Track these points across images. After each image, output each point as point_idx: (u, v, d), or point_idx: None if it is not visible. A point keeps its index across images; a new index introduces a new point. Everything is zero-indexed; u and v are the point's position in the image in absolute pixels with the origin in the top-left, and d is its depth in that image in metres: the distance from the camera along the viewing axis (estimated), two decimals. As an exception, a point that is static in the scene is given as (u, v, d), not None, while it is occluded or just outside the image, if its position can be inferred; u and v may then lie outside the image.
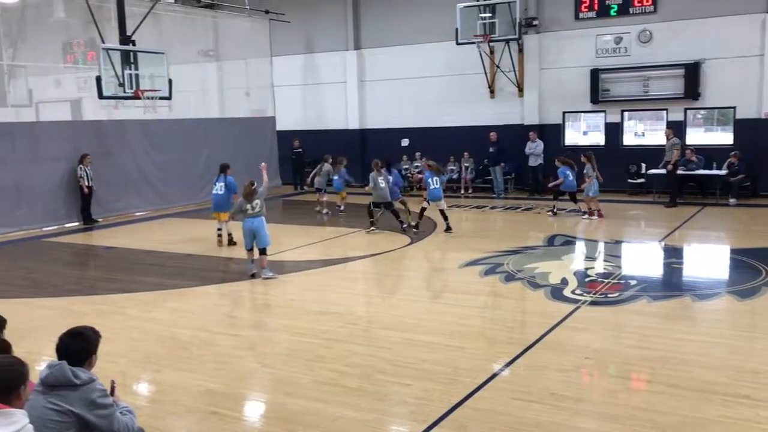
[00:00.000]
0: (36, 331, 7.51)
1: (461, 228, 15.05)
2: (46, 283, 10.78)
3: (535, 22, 19.24)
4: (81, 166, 15.65)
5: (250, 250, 10.32)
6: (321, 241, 13.35)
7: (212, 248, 12.70)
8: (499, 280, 9.70)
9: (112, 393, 3.82)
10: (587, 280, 9.56)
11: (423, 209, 13.77)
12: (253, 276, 10.30)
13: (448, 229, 13.37)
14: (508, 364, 6.40)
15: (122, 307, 9.04)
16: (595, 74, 18.70)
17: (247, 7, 20.44)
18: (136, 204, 17.44)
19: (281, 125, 22.62)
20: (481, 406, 5.49)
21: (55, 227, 15.36)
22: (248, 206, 10.18)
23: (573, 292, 8.92)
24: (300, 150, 22.14)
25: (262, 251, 10.19)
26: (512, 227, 14.90)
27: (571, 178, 15.20)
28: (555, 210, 15.59)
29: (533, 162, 18.95)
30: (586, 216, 14.76)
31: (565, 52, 19.16)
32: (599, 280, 9.56)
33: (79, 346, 3.72)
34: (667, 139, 16.62)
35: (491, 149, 19.10)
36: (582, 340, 7.09)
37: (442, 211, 13.63)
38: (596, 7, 18.62)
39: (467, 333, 7.42)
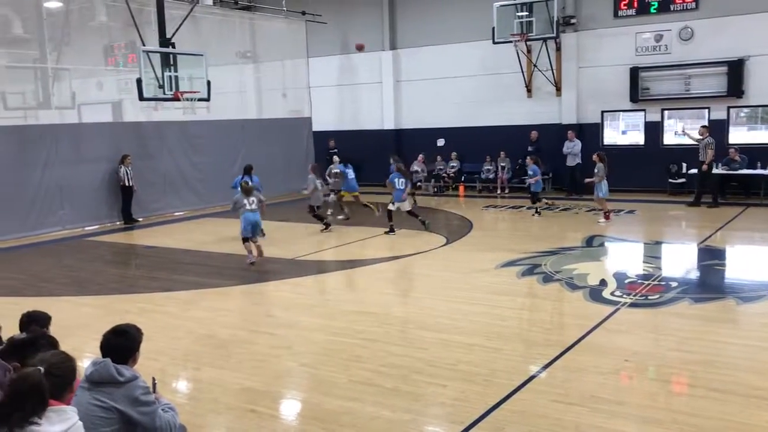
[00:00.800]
0: (79, 329, 7.67)
1: (497, 228, 14.99)
2: (88, 281, 11.01)
3: (573, 20, 19.03)
4: (122, 166, 15.95)
5: (247, 240, 11.34)
6: (357, 241, 13.38)
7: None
8: (536, 281, 9.61)
9: (154, 390, 3.88)
10: (627, 281, 9.41)
11: (390, 211, 13.92)
12: (252, 264, 11.19)
13: (424, 224, 13.72)
14: (545, 366, 6.33)
15: (162, 305, 9.18)
16: (634, 72, 18.41)
17: (284, 8, 20.60)
18: (175, 204, 17.71)
19: (317, 126, 22.75)
20: (518, 408, 5.44)
21: (97, 226, 15.69)
22: (246, 201, 11.40)
23: (612, 293, 8.79)
24: (335, 150, 22.22)
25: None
26: (549, 227, 14.73)
27: (539, 178, 15.68)
28: (539, 210, 15.63)
29: (571, 162, 18.74)
30: (602, 220, 14.39)
31: (603, 50, 18.91)
32: (639, 281, 9.40)
33: (123, 343, 3.79)
34: (701, 138, 16.25)
35: (530, 148, 18.93)
36: (621, 342, 6.98)
37: (410, 212, 13.98)
38: (636, 4, 18.35)
39: (504, 334, 7.37)
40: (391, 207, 13.87)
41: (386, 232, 13.70)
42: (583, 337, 7.13)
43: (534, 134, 18.94)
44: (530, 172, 15.77)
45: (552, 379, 6.06)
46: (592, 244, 12.27)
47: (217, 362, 6.82)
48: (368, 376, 6.22)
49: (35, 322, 4.51)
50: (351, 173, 15.74)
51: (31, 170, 14.86)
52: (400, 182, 13.81)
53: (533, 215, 15.48)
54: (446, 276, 10.16)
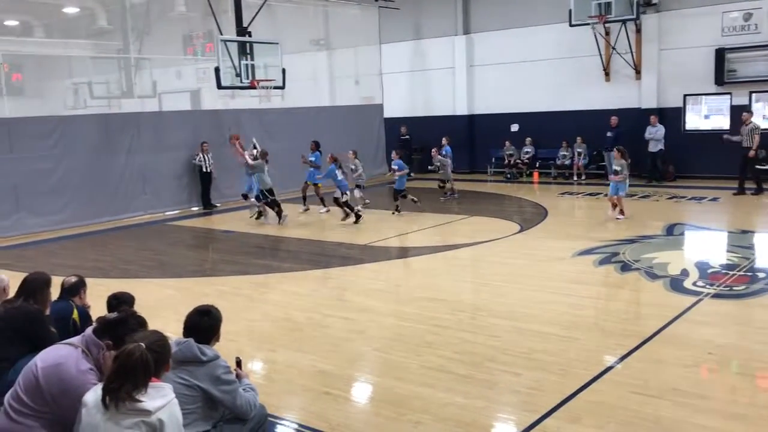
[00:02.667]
0: (162, 310, 7.95)
1: (574, 215, 14.67)
2: (170, 264, 11.41)
3: (654, 1, 18.32)
4: (200, 153, 16.40)
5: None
6: (429, 227, 13.36)
7: (322, 233, 13.00)
8: (614, 269, 9.37)
9: (239, 368, 4.00)
10: (710, 271, 9.06)
11: (345, 203, 13.79)
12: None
13: (357, 217, 13.63)
14: (623, 357, 6.18)
15: (239, 288, 9.43)
16: (720, 54, 17.60)
17: (358, -5, 20.67)
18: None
19: (388, 112, 22.77)
20: (595, 398, 5.33)
21: (177, 211, 16.22)
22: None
23: (694, 283, 8.48)
24: (407, 137, 22.23)
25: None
26: (628, 215, 14.31)
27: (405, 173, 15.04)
28: (399, 208, 14.80)
29: (653, 147, 18.09)
30: (621, 216, 13.09)
31: (687, 31, 18.14)
32: (723, 271, 9.03)
33: (206, 324, 3.93)
34: (745, 124, 15.53)
35: (609, 134, 18.41)
36: (704, 334, 6.73)
37: (340, 201, 13.85)
38: (723, -18, 17.50)
39: (580, 324, 7.22)
40: (344, 198, 13.75)
41: (349, 221, 13.54)
42: (663, 328, 6.91)
43: (614, 120, 18.38)
44: (394, 167, 14.97)
45: (630, 371, 5.91)
46: (673, 233, 11.86)
47: (293, 344, 6.96)
48: (440, 362, 6.22)
49: (125, 303, 4.70)
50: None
51: (116, 157, 15.48)
52: (339, 172, 13.74)
53: (392, 213, 14.63)
54: (520, 264, 10.03)
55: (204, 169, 16.44)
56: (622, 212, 13.11)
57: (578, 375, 5.77)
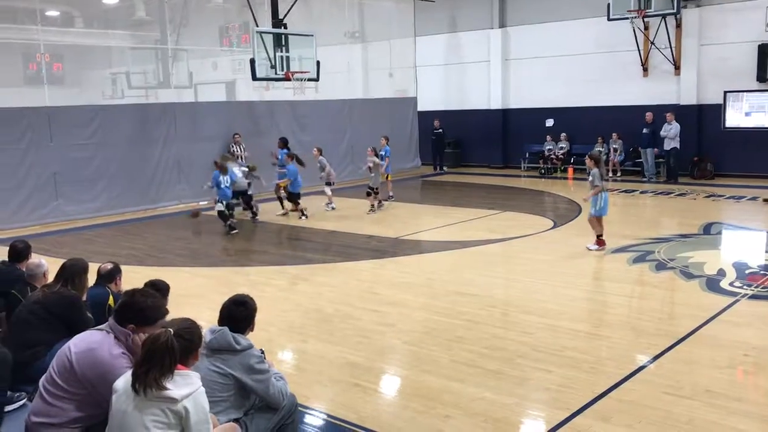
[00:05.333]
0: (194, 298, 8.07)
1: (609, 212, 14.42)
2: (203, 253, 11.55)
3: (695, -5, 17.96)
4: (232, 144, 16.49)
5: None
6: (461, 222, 13.31)
7: (355, 225, 13.03)
8: (648, 268, 9.24)
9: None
10: (748, 272, 8.88)
11: (220, 212, 13.05)
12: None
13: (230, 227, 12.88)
14: (656, 357, 6.09)
15: (271, 278, 9.51)
16: (763, 50, 17.20)
17: (393, -13, 20.62)
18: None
19: (422, 105, 22.71)
20: (626, 398, 5.27)
21: (209, 202, 16.34)
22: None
23: (731, 284, 8.32)
24: (440, 130, 22.16)
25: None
26: (664, 213, 14.11)
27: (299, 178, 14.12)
28: (305, 212, 14.19)
29: (667, 145, 17.77)
30: (593, 245, 10.34)
31: (729, 26, 17.76)
32: (762, 272, 8.85)
33: (242, 314, 3.97)
34: None
35: (645, 130, 18.12)
36: (740, 335, 6.61)
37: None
38: (768, -24, 17.08)
39: (613, 322, 7.14)
40: (219, 207, 12.85)
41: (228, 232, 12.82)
42: (698, 328, 6.80)
43: (649, 116, 18.08)
44: (285, 170, 14.25)
45: (663, 371, 5.82)
46: (710, 232, 11.65)
47: (323, 336, 7.00)
48: (471, 357, 6.20)
49: (160, 291, 4.76)
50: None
51: (152, 147, 15.70)
52: (225, 179, 12.88)
53: (300, 217, 14.04)
54: (552, 260, 9.94)
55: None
56: (597, 239, 10.31)
57: (610, 373, 5.71)
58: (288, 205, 14.53)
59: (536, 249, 10.85)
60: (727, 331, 6.74)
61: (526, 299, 8.10)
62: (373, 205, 14.39)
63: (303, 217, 14.01)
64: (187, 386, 3.22)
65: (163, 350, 3.19)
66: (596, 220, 10.35)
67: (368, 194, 14.41)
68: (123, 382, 3.32)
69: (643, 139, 18.30)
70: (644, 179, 18.31)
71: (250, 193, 14.05)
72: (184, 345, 3.32)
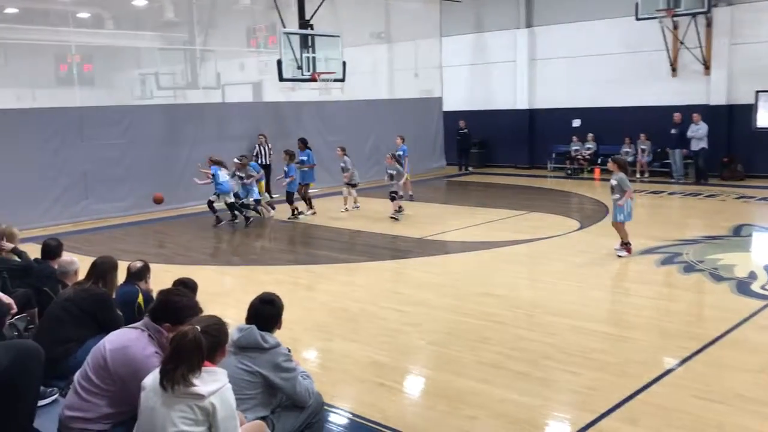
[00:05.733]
0: (221, 296, 8.14)
1: (635, 213, 14.23)
2: (229, 252, 11.66)
3: (727, -7, 17.69)
4: (257, 145, 16.56)
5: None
6: (486, 222, 13.26)
7: (379, 225, 13.05)
8: (677, 270, 9.13)
9: None
10: (780, 275, 8.73)
11: (230, 204, 13.60)
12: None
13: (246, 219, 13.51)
14: (685, 360, 6.02)
15: (297, 277, 9.57)
16: (796, 49, 16.89)
17: (419, -12, 20.60)
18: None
19: (448, 106, 22.67)
20: (654, 401, 5.21)
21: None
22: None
23: (763, 287, 8.18)
24: (465, 131, 22.10)
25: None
26: (693, 215, 13.92)
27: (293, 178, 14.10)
28: (296, 213, 14.25)
29: (695, 146, 17.51)
30: (622, 251, 10.01)
31: (761, 25, 17.46)
32: (794, 275, 8.70)
33: (269, 312, 4.01)
34: None
35: (673, 131, 17.90)
36: (772, 339, 6.51)
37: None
38: (801, -26, 16.77)
39: (640, 324, 7.07)
40: (229, 199, 13.51)
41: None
42: (728, 331, 6.70)
43: (677, 116, 17.85)
44: (285, 169, 14.25)
45: (692, 374, 5.75)
46: (741, 234, 11.47)
47: (348, 335, 7.02)
48: (496, 358, 6.18)
49: (189, 289, 4.82)
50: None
51: (180, 147, 15.87)
52: (224, 174, 13.50)
53: (289, 218, 14.15)
54: (579, 261, 9.86)
55: (261, 162, 16.47)
56: (625, 245, 10.05)
57: (637, 376, 5.65)
58: (303, 205, 14.58)
59: (562, 250, 10.78)
60: (759, 335, 6.64)
61: (552, 300, 8.05)
62: (398, 209, 13.80)
63: (294, 218, 14.07)
64: (214, 383, 3.26)
65: (190, 347, 3.22)
66: (622, 226, 10.04)
67: (393, 198, 13.88)
68: (151, 378, 3.37)
69: (671, 139, 18.06)
70: (672, 180, 18.07)
71: (242, 201, 13.84)
72: (211, 342, 3.35)
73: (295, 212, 14.21)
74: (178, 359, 3.20)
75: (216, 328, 3.44)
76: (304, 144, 15.03)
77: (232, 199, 13.49)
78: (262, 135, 16.49)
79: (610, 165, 10.38)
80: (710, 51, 18.28)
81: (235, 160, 14.20)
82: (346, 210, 14.69)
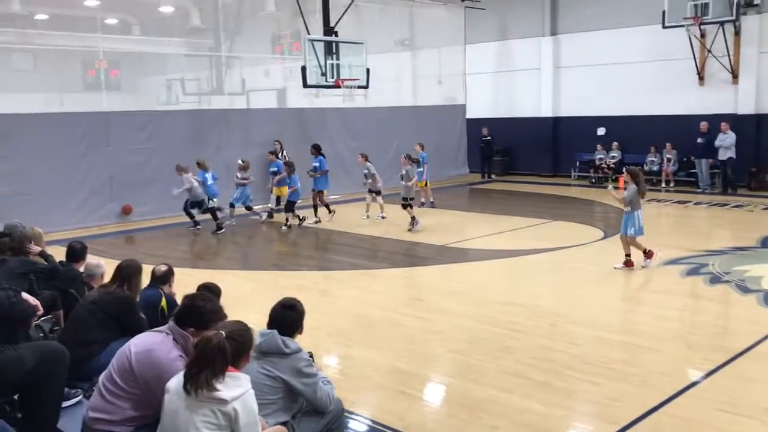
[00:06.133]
0: (244, 301, 8.18)
1: (661, 223, 14.13)
2: (253, 257, 11.72)
3: (756, 2, 17.46)
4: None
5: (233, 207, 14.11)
6: (509, 230, 13.19)
7: (400, 232, 13.03)
8: (702, 281, 9.00)
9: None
10: (808, 287, 8.58)
11: (211, 209, 13.56)
12: None
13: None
14: (710, 373, 5.93)
15: (318, 283, 9.59)
16: (827, 57, 16.62)
17: (444, -5, 20.61)
18: (332, 187, 18.31)
19: (471, 113, 22.62)
20: (679, 413, 5.14)
21: (260, 206, 16.55)
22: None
23: (790, 300, 8.05)
24: (488, 138, 22.04)
25: (249, 208, 14.40)
26: (719, 225, 13.73)
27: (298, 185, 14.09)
28: (288, 222, 14.00)
29: (722, 155, 17.27)
30: (646, 261, 9.74)
31: (792, 33, 17.21)
32: (823, 288, 8.54)
33: (291, 318, 4.03)
34: None
35: (699, 140, 17.69)
36: (801, 353, 6.39)
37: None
38: (833, -19, 16.51)
39: (665, 336, 6.97)
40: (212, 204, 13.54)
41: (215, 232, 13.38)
42: (756, 344, 6.58)
43: (704, 125, 17.62)
44: (287, 180, 14.12)
45: (718, 387, 5.66)
46: (768, 245, 11.29)
47: (369, 341, 7.02)
48: (518, 367, 6.13)
49: (213, 293, 4.85)
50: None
51: (205, 152, 15.92)
52: (209, 176, 13.63)
53: (281, 228, 13.92)
54: (602, 271, 9.76)
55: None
56: (647, 254, 9.71)
57: (661, 388, 5.57)
58: (322, 212, 14.63)
59: (586, 259, 10.69)
60: (787, 348, 6.52)
61: (575, 310, 7.98)
62: (413, 218, 13.14)
63: (288, 226, 13.97)
64: (237, 388, 3.27)
65: (214, 352, 3.24)
66: (633, 240, 9.62)
67: (404, 206, 13.24)
68: (175, 382, 3.39)
69: (698, 149, 17.85)
70: (698, 190, 17.85)
71: (211, 206, 13.61)
72: (236, 347, 3.37)
73: (288, 221, 14.06)
74: (203, 364, 3.22)
75: (241, 333, 3.46)
76: (317, 150, 14.97)
77: (215, 204, 13.58)
78: (278, 141, 16.46)
79: (625, 176, 10.15)
80: (738, 59, 18.05)
81: (240, 162, 14.53)
82: (368, 217, 14.67)
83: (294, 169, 14.19)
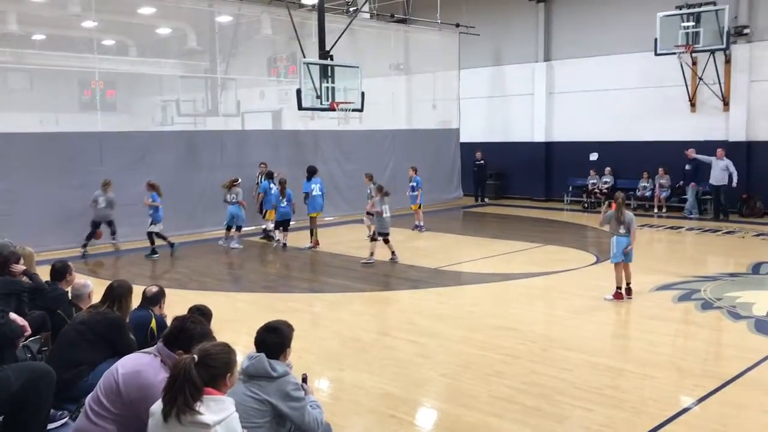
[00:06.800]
0: (235, 323, 8.14)
1: (652, 249, 14.17)
2: (244, 278, 11.68)
3: (746, 31, 17.71)
4: (258, 173, 16.04)
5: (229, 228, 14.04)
6: (502, 254, 13.20)
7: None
8: (694, 307, 9.01)
9: (305, 384, 4.05)
10: (799, 314, 8.60)
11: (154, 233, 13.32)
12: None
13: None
14: (702, 399, 5.91)
15: (311, 305, 9.56)
16: (816, 86, 16.82)
17: (439, 21, 20.82)
18: (327, 209, 18.30)
19: (465, 137, 22.74)
20: (670, 440, 5.12)
21: (254, 228, 16.54)
22: (229, 196, 14.04)
23: (782, 326, 8.06)
24: (482, 162, 22.14)
25: (239, 228, 14.16)
26: (711, 251, 13.77)
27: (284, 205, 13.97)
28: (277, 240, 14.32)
29: (718, 182, 17.36)
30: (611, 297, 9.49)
31: (781, 62, 17.42)
32: (814, 315, 8.55)
33: (274, 340, 4.01)
34: None
35: (687, 166, 17.83)
36: (792, 380, 6.38)
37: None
38: (821, 12, 16.77)
39: (657, 362, 6.96)
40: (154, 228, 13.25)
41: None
42: (747, 371, 6.58)
43: (691, 152, 17.75)
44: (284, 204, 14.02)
45: (709, 413, 5.65)
46: (760, 272, 11.31)
47: (360, 365, 6.98)
48: (509, 392, 6.10)
49: (204, 316, 4.82)
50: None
51: (199, 172, 16.01)
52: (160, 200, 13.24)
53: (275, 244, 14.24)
54: (595, 295, 9.76)
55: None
56: (627, 290, 9.50)
57: (652, 414, 5.56)
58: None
59: (578, 284, 10.70)
60: (778, 375, 6.51)
61: (567, 335, 7.97)
62: (393, 253, 12.44)
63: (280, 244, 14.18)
64: (220, 412, 3.23)
65: (182, 377, 3.21)
66: (626, 267, 9.47)
67: (381, 241, 12.41)
68: (158, 406, 3.35)
69: (687, 175, 17.97)
70: (684, 215, 17.93)
71: (156, 230, 13.36)
72: (212, 370, 3.32)
73: (271, 237, 14.35)
74: (175, 389, 3.20)
75: (216, 356, 3.40)
76: (309, 173, 14.88)
77: (157, 229, 13.34)
78: (263, 163, 16.12)
79: (610, 205, 10.05)
80: (729, 87, 18.25)
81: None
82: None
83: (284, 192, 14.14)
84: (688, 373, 6.68)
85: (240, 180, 14.54)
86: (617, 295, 9.47)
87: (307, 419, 3.86)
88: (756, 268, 11.52)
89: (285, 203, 14.05)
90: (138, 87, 20.75)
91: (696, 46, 17.23)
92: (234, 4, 17.68)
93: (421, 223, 16.12)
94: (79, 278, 6.65)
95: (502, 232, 15.90)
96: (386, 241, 12.45)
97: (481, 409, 5.74)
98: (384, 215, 12.35)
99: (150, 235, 13.34)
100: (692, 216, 17.81)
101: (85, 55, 16.14)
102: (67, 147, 14.16)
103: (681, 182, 18.48)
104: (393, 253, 12.47)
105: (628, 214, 9.55)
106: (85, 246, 13.33)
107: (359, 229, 15.03)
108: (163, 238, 13.42)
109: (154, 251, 13.29)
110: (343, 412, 5.72)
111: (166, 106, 20.60)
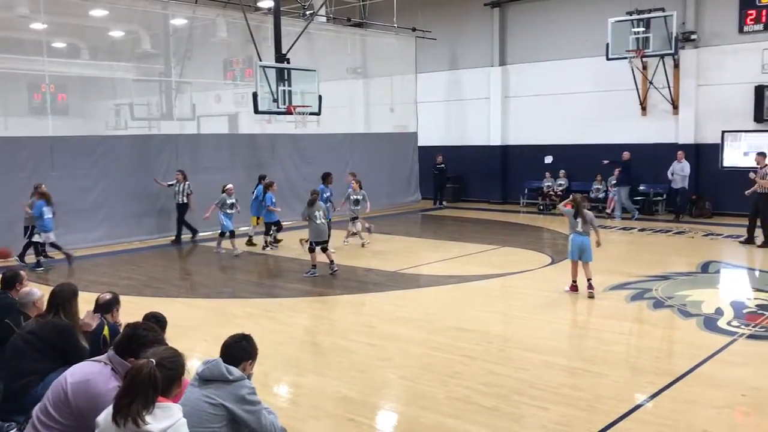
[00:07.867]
0: (191, 330, 8.01)
1: (606, 249, 14.37)
2: (201, 284, 11.53)
3: (693, 37, 18.22)
4: (175, 181, 15.32)
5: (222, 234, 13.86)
6: (460, 256, 13.31)
7: (352, 258, 13.01)
8: (646, 306, 9.22)
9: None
10: (746, 311, 8.87)
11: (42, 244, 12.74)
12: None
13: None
14: (654, 396, 6.06)
15: (269, 311, 9.48)
16: (760, 91, 17.38)
17: (395, 25, 20.91)
18: (284, 213, 18.18)
19: (423, 141, 22.87)
20: (623, 437, 5.23)
21: (210, 233, 16.34)
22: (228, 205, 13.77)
23: (729, 323, 8.29)
24: (443, 165, 22.29)
25: (232, 234, 13.83)
26: (662, 251, 14.08)
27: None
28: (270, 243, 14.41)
29: (676, 184, 17.85)
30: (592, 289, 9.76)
31: (726, 67, 17.97)
32: (760, 312, 8.83)
33: (241, 346, 4.03)
34: (760, 167, 14.01)
35: (617, 169, 18.34)
36: (738, 375, 6.57)
37: None
38: (764, 19, 17.34)
39: (610, 360, 7.10)
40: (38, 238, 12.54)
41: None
42: (695, 367, 6.76)
43: (626, 154, 18.22)
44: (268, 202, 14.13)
45: (660, 410, 5.78)
46: (708, 271, 11.64)
47: (318, 369, 6.96)
48: (467, 393, 6.16)
49: (159, 323, 4.75)
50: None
51: (152, 177, 15.74)
52: (48, 210, 12.40)
53: (265, 248, 14.33)
54: (550, 296, 9.92)
55: (178, 200, 15.23)
56: (589, 286, 9.77)
57: (607, 412, 5.66)
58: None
59: (534, 285, 10.84)
60: (725, 371, 6.70)
61: (523, 335, 8.07)
62: (332, 262, 11.76)
63: (269, 248, 14.29)
64: (166, 419, 3.16)
65: (145, 381, 3.14)
66: (586, 267, 9.84)
67: (324, 249, 11.79)
68: (104, 416, 3.26)
69: (620, 177, 18.38)
70: (651, 217, 18.34)
71: (41, 241, 12.69)
72: (167, 375, 3.27)
73: (268, 242, 14.27)
74: (134, 394, 3.12)
75: (171, 360, 3.37)
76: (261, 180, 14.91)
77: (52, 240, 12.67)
78: (180, 171, 15.41)
79: (564, 204, 10.50)
80: (678, 91, 18.74)
81: (229, 186, 14.24)
82: (364, 245, 14.45)
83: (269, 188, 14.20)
84: (641, 370, 6.82)
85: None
86: (573, 288, 9.95)
87: (263, 422, 3.83)
88: (705, 267, 11.84)
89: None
90: (90, 91, 20.32)
91: (646, 51, 17.64)
92: (188, 6, 17.48)
93: (367, 225, 16.00)
94: (27, 285, 6.47)
95: (460, 235, 16.03)
96: (324, 250, 11.69)
97: (438, 411, 5.78)
98: (317, 221, 11.59)
99: (35, 245, 12.64)
100: (617, 218, 18.30)
101: (34, 58, 15.75)
102: (17, 152, 13.79)
103: (614, 182, 18.81)
104: (332, 262, 11.70)
105: (588, 213, 10.03)
106: (40, 255, 12.84)
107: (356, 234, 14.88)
108: (58, 248, 12.75)
109: (38, 264, 12.54)
110: (301, 417, 5.69)
111: (119, 110, 20.23)
